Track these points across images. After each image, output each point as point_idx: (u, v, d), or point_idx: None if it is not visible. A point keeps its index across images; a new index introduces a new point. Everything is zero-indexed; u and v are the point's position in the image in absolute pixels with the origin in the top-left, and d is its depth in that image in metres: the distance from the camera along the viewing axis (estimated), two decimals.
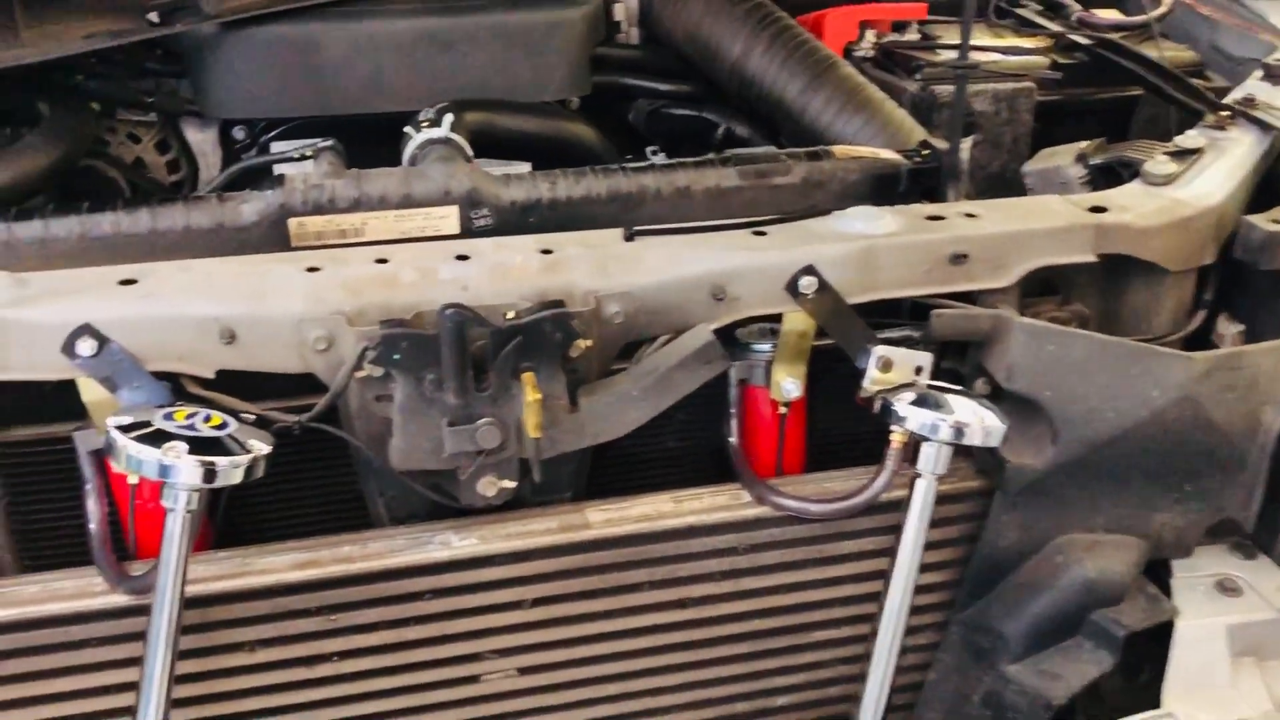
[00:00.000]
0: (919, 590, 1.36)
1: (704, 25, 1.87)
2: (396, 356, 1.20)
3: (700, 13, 1.88)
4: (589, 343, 1.27)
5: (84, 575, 1.25)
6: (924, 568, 1.36)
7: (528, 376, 1.18)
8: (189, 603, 1.23)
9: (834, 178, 1.55)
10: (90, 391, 1.22)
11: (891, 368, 1.33)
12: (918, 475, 1.32)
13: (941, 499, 1.34)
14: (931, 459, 1.30)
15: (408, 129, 1.58)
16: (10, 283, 1.22)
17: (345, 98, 1.75)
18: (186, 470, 1.08)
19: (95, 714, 1.26)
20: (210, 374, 1.23)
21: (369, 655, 1.33)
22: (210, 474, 1.09)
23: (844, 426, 1.54)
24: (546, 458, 1.27)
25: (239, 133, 1.82)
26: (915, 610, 1.37)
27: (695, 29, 1.89)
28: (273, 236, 1.40)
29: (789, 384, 1.40)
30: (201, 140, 1.83)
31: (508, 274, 1.30)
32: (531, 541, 1.33)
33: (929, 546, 1.35)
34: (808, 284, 1.33)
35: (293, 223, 1.40)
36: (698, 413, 1.53)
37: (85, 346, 1.19)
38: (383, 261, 1.31)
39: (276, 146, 1.79)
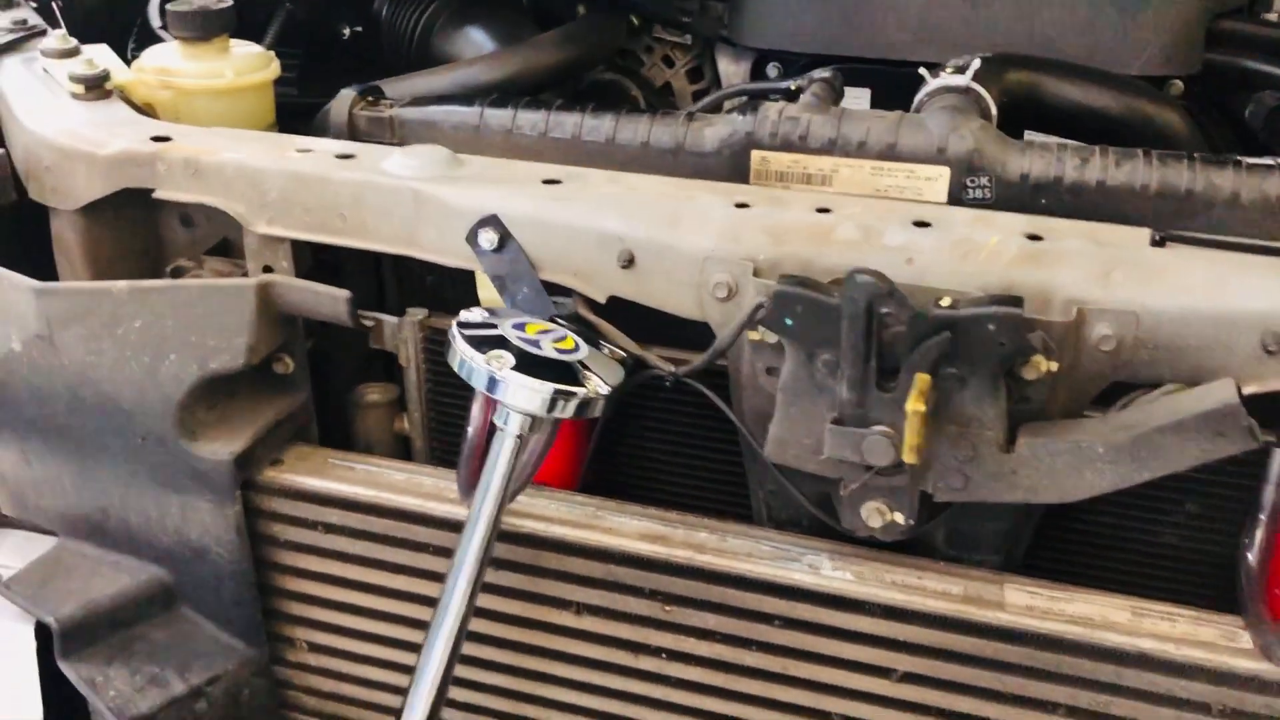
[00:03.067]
0: None
1: None
2: (789, 322, 0.95)
3: None
4: (1054, 365, 0.93)
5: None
6: None
7: (921, 378, 0.88)
8: (524, 539, 1.12)
9: None
10: (486, 288, 1.13)
11: None
12: None
13: None
14: None
15: (922, 70, 1.31)
16: (445, 160, 1.16)
17: (889, 42, 1.52)
18: (507, 386, 0.95)
19: (412, 620, 1.20)
20: (601, 298, 1.09)
21: (698, 665, 1.12)
22: (534, 398, 0.95)
23: None
24: (954, 500, 0.97)
25: (772, 70, 1.65)
26: None
27: None
28: (732, 168, 1.22)
29: None
30: (733, 73, 1.70)
31: (971, 254, 0.99)
32: (919, 602, 1.03)
33: None
34: None
35: (755, 156, 1.21)
36: (1218, 507, 1.12)
37: (487, 239, 1.10)
38: (824, 211, 1.07)
39: None
